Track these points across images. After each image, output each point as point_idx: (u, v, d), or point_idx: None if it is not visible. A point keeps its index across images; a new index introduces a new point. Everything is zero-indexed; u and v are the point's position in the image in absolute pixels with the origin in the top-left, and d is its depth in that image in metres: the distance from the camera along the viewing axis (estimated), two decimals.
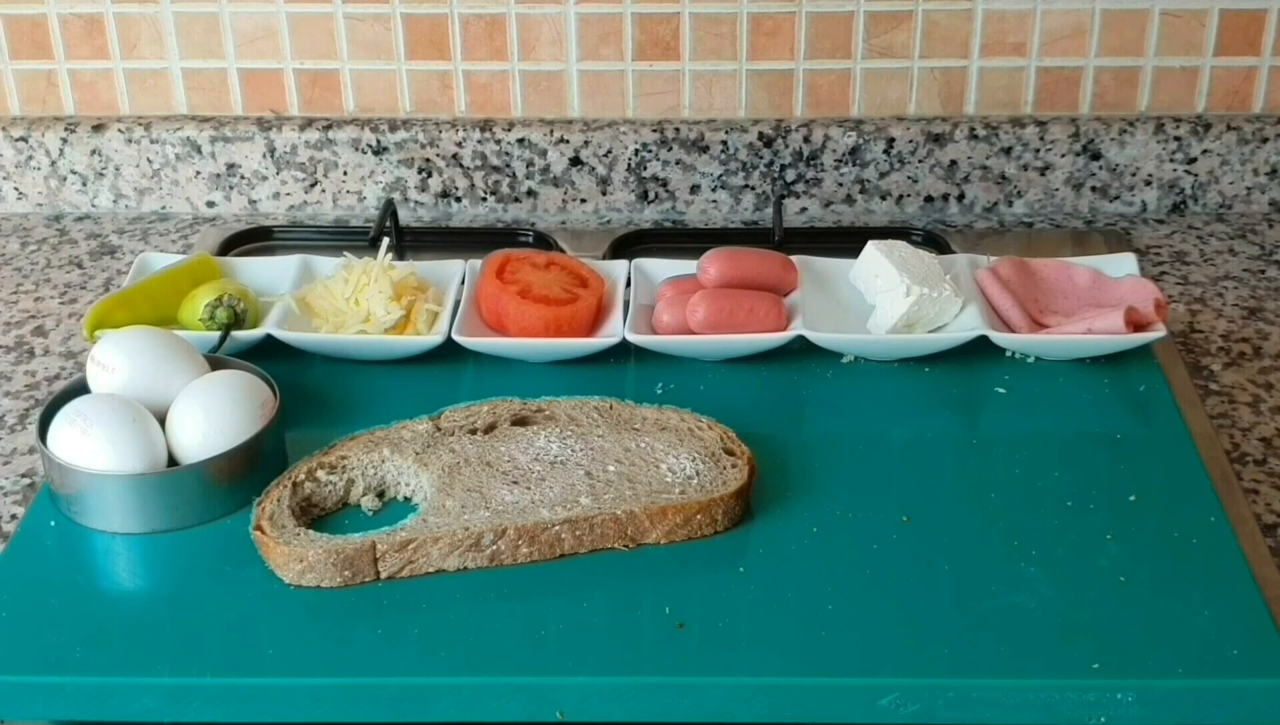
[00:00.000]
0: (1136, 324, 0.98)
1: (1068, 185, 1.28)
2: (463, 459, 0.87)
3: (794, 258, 1.05)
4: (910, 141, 1.26)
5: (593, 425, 0.89)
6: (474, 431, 0.89)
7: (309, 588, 0.80)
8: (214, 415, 0.86)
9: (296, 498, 0.85)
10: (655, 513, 0.81)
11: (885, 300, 1.01)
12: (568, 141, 1.27)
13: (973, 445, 0.93)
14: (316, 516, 0.86)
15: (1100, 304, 1.02)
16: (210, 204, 1.31)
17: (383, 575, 0.80)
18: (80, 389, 0.89)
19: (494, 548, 0.80)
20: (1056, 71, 1.26)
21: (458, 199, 1.30)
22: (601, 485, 0.83)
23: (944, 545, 0.83)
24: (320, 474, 0.86)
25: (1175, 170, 1.27)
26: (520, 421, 0.90)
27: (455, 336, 1.00)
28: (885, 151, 1.27)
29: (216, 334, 0.99)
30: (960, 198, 1.29)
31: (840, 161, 1.27)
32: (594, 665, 0.74)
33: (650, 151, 1.26)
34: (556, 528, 0.81)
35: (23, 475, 0.95)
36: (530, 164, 1.28)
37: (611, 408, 0.91)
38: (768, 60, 1.25)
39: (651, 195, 1.28)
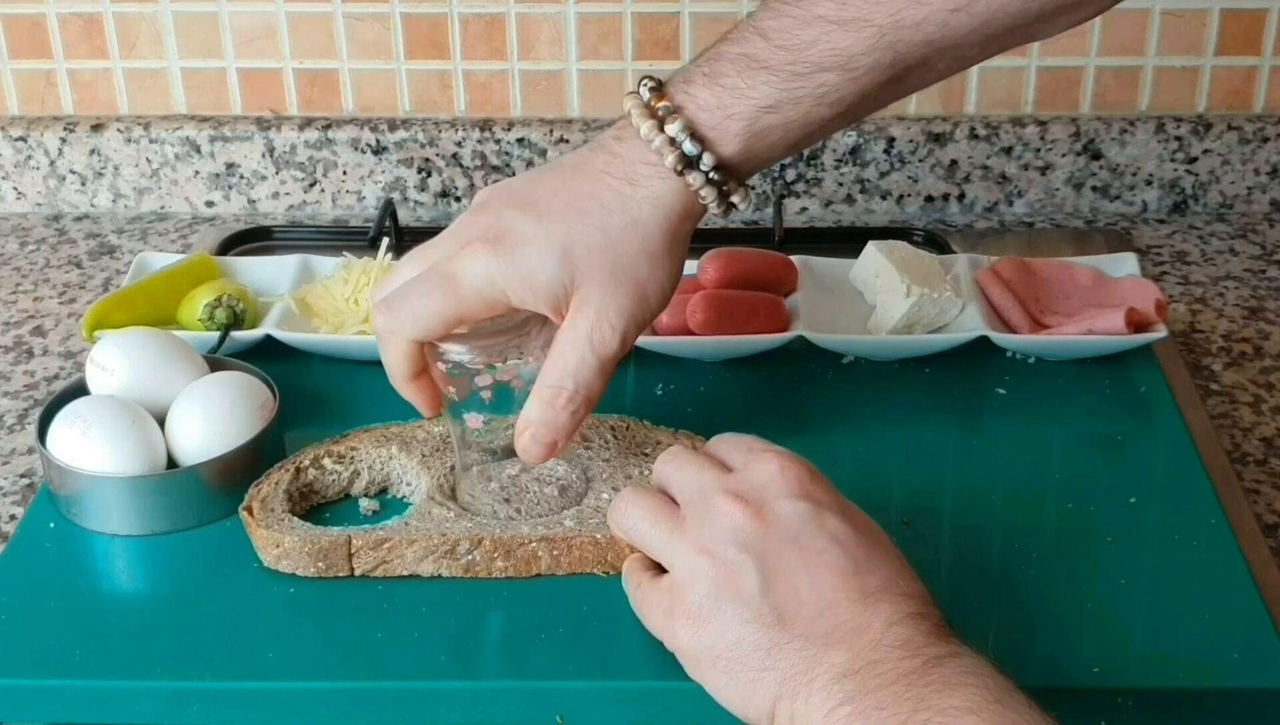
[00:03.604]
0: (1137, 324, 0.98)
1: (1068, 185, 1.28)
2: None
3: (794, 258, 1.04)
4: (910, 141, 1.26)
5: (603, 447, 0.87)
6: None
7: (292, 575, 0.79)
8: (213, 417, 0.86)
9: (298, 483, 0.85)
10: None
11: (885, 301, 1.01)
12: (568, 141, 1.27)
13: (973, 446, 0.93)
14: (316, 503, 0.86)
15: (1101, 304, 1.01)
16: (209, 204, 1.31)
17: (357, 571, 0.79)
18: (79, 390, 0.89)
19: (469, 557, 0.79)
20: (1057, 71, 1.26)
21: (457, 199, 1.30)
22: (590, 510, 0.82)
23: (944, 547, 0.83)
24: (326, 462, 0.86)
25: (1176, 170, 1.27)
26: None
27: None
28: (885, 151, 1.27)
29: (216, 334, 0.99)
30: (960, 197, 1.29)
31: (840, 161, 1.27)
32: (594, 669, 0.74)
33: None
34: (533, 544, 0.79)
35: (22, 476, 0.95)
36: (530, 163, 1.27)
37: (629, 428, 0.89)
38: None
39: None
